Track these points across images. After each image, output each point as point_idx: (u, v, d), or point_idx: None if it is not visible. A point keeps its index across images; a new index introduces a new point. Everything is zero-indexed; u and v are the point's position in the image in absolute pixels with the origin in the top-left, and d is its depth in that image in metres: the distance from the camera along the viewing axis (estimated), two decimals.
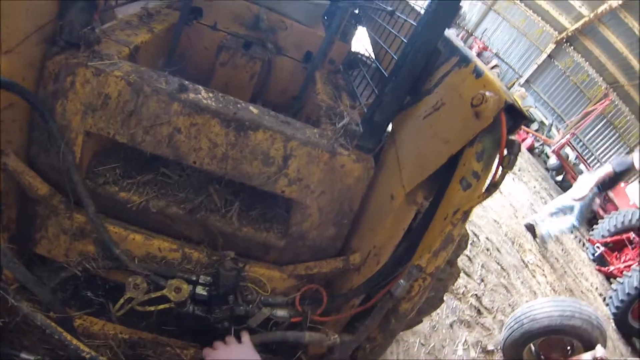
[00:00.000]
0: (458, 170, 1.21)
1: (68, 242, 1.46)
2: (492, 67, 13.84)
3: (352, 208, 1.50)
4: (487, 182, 1.21)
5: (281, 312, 1.47)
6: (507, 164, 1.15)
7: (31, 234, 1.46)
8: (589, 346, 3.23)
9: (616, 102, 12.65)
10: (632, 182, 8.32)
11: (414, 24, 1.51)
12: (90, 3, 1.32)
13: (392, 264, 1.41)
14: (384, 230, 1.43)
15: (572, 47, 13.96)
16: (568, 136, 10.49)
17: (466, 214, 1.23)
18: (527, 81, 14.92)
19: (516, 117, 1.16)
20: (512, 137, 1.16)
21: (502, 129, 1.14)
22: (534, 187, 9.44)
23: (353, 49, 2.49)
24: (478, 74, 1.23)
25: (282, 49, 2.26)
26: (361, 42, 2.74)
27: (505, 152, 1.15)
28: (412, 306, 1.31)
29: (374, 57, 2.15)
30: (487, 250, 5.20)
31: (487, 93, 1.12)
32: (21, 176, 1.32)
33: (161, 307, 1.35)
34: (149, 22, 1.84)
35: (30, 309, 1.20)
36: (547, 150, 11.16)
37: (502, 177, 1.16)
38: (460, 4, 1.41)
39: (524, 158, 10.78)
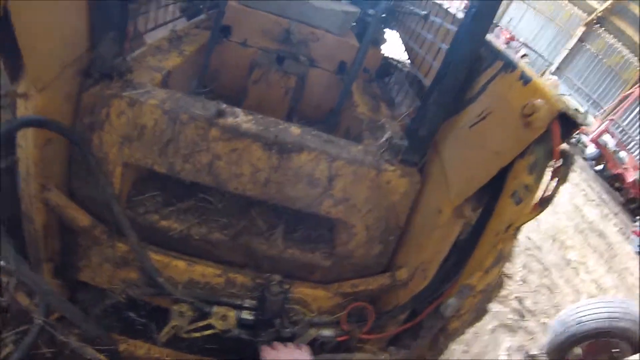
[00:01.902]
0: (508, 183, 1.16)
1: (111, 270, 1.46)
2: (522, 57, 13.41)
3: (398, 224, 1.47)
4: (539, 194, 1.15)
5: (327, 332, 1.45)
6: (562, 176, 1.09)
7: (75, 262, 1.48)
8: (638, 349, 3.07)
9: None
10: None
11: (451, 27, 1.46)
12: (120, 33, 1.32)
13: (439, 279, 1.37)
14: (431, 245, 1.39)
15: (603, 29, 13.33)
16: (606, 123, 10.02)
17: (518, 229, 1.17)
18: (558, 68, 14.36)
19: (569, 125, 1.10)
20: (566, 148, 1.10)
21: (554, 139, 1.08)
22: (573, 179, 9.08)
23: (385, 54, 2.43)
24: (526, 80, 1.17)
25: (314, 61, 2.22)
26: (392, 46, 2.68)
27: (558, 162, 1.09)
28: (461, 324, 1.27)
29: (409, 61, 2.09)
30: (528, 249, 5.04)
31: (539, 101, 1.06)
32: (63, 209, 1.34)
33: (207, 333, 1.35)
34: (178, 44, 1.84)
35: (79, 343, 1.23)
36: (584, 139, 10.69)
37: (556, 190, 1.10)
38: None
39: None
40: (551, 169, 1.13)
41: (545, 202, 1.11)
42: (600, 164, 10.37)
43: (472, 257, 1.22)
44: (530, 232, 5.46)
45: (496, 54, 1.33)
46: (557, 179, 1.10)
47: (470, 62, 1.32)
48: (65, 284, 1.50)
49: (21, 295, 1.27)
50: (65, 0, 1.12)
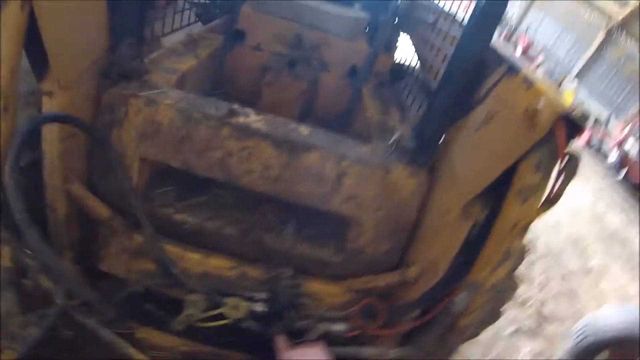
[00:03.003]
0: (514, 183, 1.19)
1: (129, 261, 1.53)
2: (539, 64, 13.24)
3: (407, 222, 1.50)
4: (545, 194, 1.18)
5: (338, 327, 1.49)
6: (567, 177, 1.12)
7: (95, 251, 1.55)
8: None
9: None
10: None
11: (457, 33, 1.51)
12: (138, 37, 1.41)
13: (449, 277, 1.40)
14: (440, 243, 1.42)
15: (624, 34, 13.06)
16: (628, 129, 9.80)
17: (524, 228, 1.21)
18: (578, 75, 14.12)
19: (573, 125, 1.14)
20: (570, 148, 1.13)
21: (558, 139, 1.12)
22: (596, 184, 8.88)
23: (397, 59, 2.48)
24: (529, 83, 1.21)
25: (326, 65, 2.29)
26: (405, 51, 2.73)
27: (564, 163, 1.12)
28: (470, 321, 1.30)
29: (419, 66, 2.14)
30: (548, 255, 4.96)
31: (541, 103, 1.10)
32: (84, 201, 1.41)
33: (219, 323, 1.39)
34: (194, 48, 1.92)
35: (97, 325, 1.29)
36: (606, 145, 10.46)
37: (562, 189, 1.14)
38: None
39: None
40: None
41: (551, 201, 1.15)
42: (622, 170, 10.12)
43: (480, 255, 1.26)
44: (550, 237, 5.37)
45: (500, 58, 1.37)
46: (562, 179, 1.13)
47: (474, 64, 1.36)
48: (86, 271, 1.56)
49: (44, 277, 1.33)
50: (87, 4, 1.22)
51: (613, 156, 10.34)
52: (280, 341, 1.41)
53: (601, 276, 5.32)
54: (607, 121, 11.58)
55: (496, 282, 1.23)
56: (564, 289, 4.52)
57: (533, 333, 3.64)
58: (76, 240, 1.52)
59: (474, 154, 1.36)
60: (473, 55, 1.34)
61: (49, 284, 1.31)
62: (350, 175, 1.41)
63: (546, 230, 5.50)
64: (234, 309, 1.40)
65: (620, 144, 9.43)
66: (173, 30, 1.95)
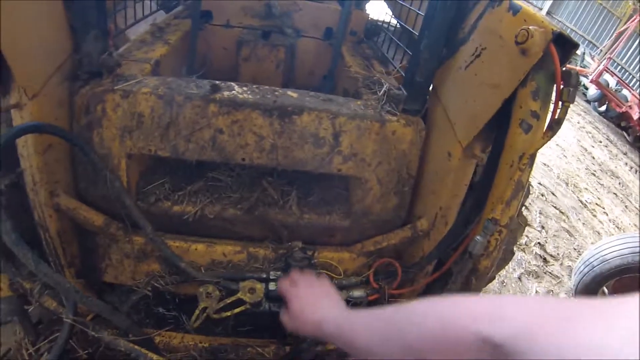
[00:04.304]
0: (515, 113, 1.16)
1: (133, 265, 1.47)
2: None
3: (410, 173, 1.47)
4: (548, 119, 1.16)
5: (358, 293, 1.46)
6: (567, 97, 1.09)
7: (96, 264, 1.48)
8: None
9: None
10: None
11: None
12: (103, 30, 1.31)
13: (460, 222, 1.38)
14: (446, 190, 1.39)
15: None
16: (604, 62, 9.86)
17: (532, 158, 1.18)
18: (548, 12, 14.09)
19: (565, 46, 1.10)
20: (568, 68, 1.10)
21: (554, 61, 1.08)
22: (578, 122, 8.98)
23: (369, 14, 2.42)
24: (515, 10, 1.16)
25: (300, 30, 2.21)
26: (376, 7, 2.67)
27: (562, 85, 1.09)
28: (491, 262, 1.28)
29: (394, 19, 2.08)
30: (542, 195, 5.03)
31: (531, 27, 1.06)
32: (75, 212, 1.34)
33: (237, 310, 1.35)
34: (162, 35, 1.83)
35: (112, 336, 1.23)
36: (585, 80, 10.54)
37: (564, 112, 1.11)
38: None
39: None
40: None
41: (555, 125, 1.12)
42: (603, 105, 10.25)
43: (491, 193, 1.23)
44: (542, 178, 5.44)
45: None
46: (563, 101, 1.10)
47: (455, 1, 1.31)
48: (89, 285, 1.51)
49: (47, 299, 1.27)
50: (41, 4, 1.12)
51: (592, 92, 10.45)
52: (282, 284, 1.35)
53: (596, 210, 5.43)
54: (582, 57, 11.65)
55: (511, 217, 1.20)
56: (562, 226, 4.60)
57: (539, 273, 3.70)
58: (75, 256, 1.46)
59: (467, 92, 1.31)
60: None
61: (53, 304, 1.25)
62: (347, 132, 1.36)
63: (537, 171, 5.57)
64: (250, 292, 1.35)
65: (597, 79, 9.50)
66: (137, 21, 1.85)
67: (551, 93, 1.15)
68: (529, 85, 1.13)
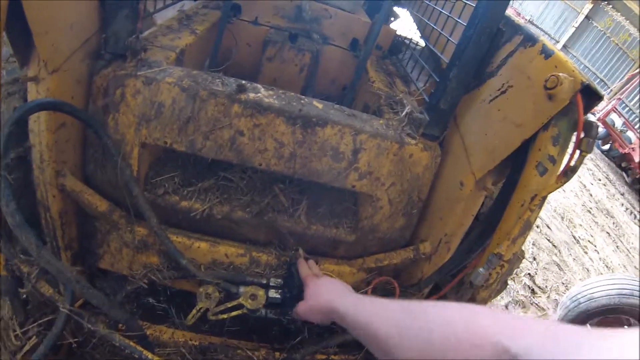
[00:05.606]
0: (533, 154, 1.18)
1: (131, 255, 1.43)
2: None
3: (420, 197, 1.48)
4: (563, 165, 1.18)
5: None
6: (586, 147, 1.12)
7: (94, 249, 1.45)
8: None
9: None
10: None
11: (468, 1, 1.46)
12: (134, 10, 1.27)
13: (462, 251, 1.41)
14: (454, 217, 1.41)
15: (610, 6, 13.12)
16: (613, 102, 9.94)
17: (543, 200, 1.21)
18: (564, 46, 14.19)
19: (591, 97, 1.13)
20: (590, 119, 1.13)
21: (578, 111, 1.11)
22: None
23: (396, 31, 2.43)
24: (547, 54, 1.19)
25: (328, 38, 2.19)
26: (402, 23, 2.68)
27: (582, 134, 1.12)
28: (489, 294, 1.30)
29: (421, 38, 2.09)
30: (537, 227, 5.07)
31: (562, 75, 1.08)
32: (79, 195, 1.30)
33: (234, 313, 1.33)
34: (189, 24, 1.79)
35: (107, 330, 1.21)
36: (592, 118, 10.61)
37: (581, 161, 1.13)
38: None
39: None
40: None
41: (570, 172, 1.14)
42: (607, 144, 10.33)
43: (499, 227, 1.25)
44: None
45: (516, 28, 1.34)
46: (581, 150, 1.13)
47: (490, 36, 1.32)
48: (85, 271, 1.48)
49: (44, 284, 1.23)
50: None
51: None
52: (302, 262, 1.39)
53: (588, 247, 5.48)
54: None
55: (515, 253, 1.23)
56: (553, 260, 4.65)
57: (525, 304, 3.74)
58: (73, 239, 1.42)
59: (488, 126, 1.33)
60: (489, 25, 1.30)
61: (49, 290, 1.22)
62: (367, 150, 1.36)
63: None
64: (252, 298, 1.34)
65: (604, 118, 9.58)
66: (166, 6, 1.82)
67: (570, 140, 1.18)
68: (551, 130, 1.15)
